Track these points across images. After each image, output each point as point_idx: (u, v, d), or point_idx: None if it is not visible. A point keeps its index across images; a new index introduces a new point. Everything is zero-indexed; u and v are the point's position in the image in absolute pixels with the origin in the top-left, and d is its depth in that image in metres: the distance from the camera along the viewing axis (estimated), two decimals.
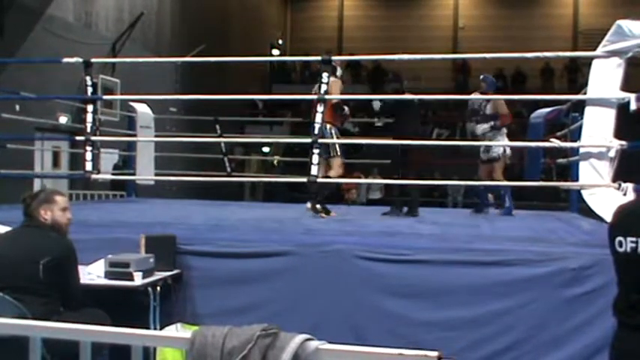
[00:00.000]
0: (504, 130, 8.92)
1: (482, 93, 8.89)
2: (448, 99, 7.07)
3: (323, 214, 7.74)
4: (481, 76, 9.27)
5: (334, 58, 6.93)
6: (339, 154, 7.72)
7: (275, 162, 20.35)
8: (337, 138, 7.75)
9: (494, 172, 8.83)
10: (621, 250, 3.13)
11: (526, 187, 10.43)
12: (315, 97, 6.23)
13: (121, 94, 14.42)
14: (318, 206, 7.77)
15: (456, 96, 8.64)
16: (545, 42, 22.28)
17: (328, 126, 7.64)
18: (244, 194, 20.95)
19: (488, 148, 8.71)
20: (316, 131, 6.07)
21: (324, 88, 6.12)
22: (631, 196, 5.00)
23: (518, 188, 13.48)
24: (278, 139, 7.13)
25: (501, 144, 8.74)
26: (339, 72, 8.05)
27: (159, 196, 11.97)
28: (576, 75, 23.24)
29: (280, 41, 28.23)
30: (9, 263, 4.16)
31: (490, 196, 10.87)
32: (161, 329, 4.78)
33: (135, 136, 10.40)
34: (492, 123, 8.71)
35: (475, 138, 8.82)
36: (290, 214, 8.07)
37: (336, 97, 7.46)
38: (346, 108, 7.96)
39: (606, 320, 4.59)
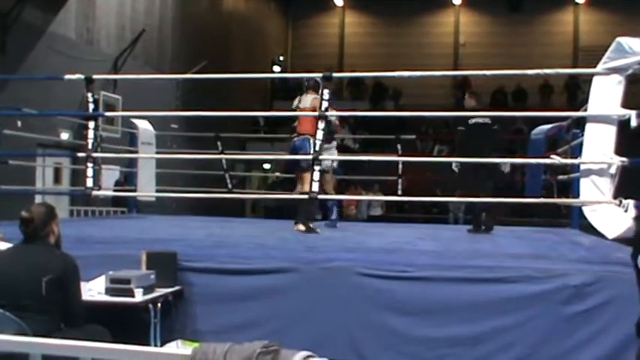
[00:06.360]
0: (334, 143, 9.00)
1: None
2: (444, 115, 7.05)
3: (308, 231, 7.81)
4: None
5: (336, 75, 6.83)
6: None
7: (276, 178, 20.39)
8: None
9: (325, 185, 8.40)
10: None
11: (527, 204, 10.37)
12: (316, 113, 6.22)
13: (123, 110, 14.44)
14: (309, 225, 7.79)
15: (451, 113, 8.54)
16: (545, 59, 22.35)
17: (311, 139, 7.63)
18: (245, 211, 20.96)
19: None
20: (317, 147, 6.07)
21: (325, 104, 6.12)
22: (632, 212, 4.99)
23: (519, 205, 13.48)
24: (278, 156, 7.10)
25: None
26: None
27: (160, 213, 11.96)
28: (577, 92, 23.26)
29: (281, 58, 28.29)
30: (11, 280, 4.14)
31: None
32: (162, 346, 4.77)
33: (136, 152, 10.41)
34: None
35: None
36: (291, 231, 8.05)
37: (336, 113, 7.42)
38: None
39: (608, 337, 4.60)
